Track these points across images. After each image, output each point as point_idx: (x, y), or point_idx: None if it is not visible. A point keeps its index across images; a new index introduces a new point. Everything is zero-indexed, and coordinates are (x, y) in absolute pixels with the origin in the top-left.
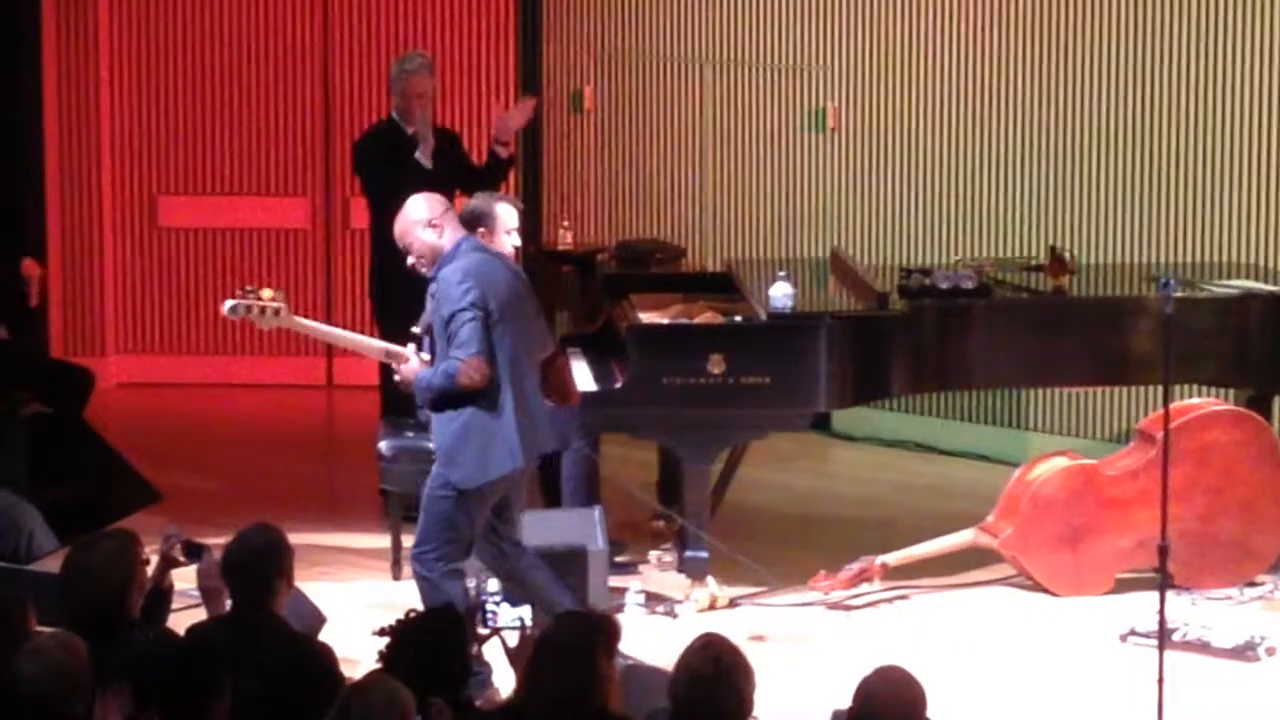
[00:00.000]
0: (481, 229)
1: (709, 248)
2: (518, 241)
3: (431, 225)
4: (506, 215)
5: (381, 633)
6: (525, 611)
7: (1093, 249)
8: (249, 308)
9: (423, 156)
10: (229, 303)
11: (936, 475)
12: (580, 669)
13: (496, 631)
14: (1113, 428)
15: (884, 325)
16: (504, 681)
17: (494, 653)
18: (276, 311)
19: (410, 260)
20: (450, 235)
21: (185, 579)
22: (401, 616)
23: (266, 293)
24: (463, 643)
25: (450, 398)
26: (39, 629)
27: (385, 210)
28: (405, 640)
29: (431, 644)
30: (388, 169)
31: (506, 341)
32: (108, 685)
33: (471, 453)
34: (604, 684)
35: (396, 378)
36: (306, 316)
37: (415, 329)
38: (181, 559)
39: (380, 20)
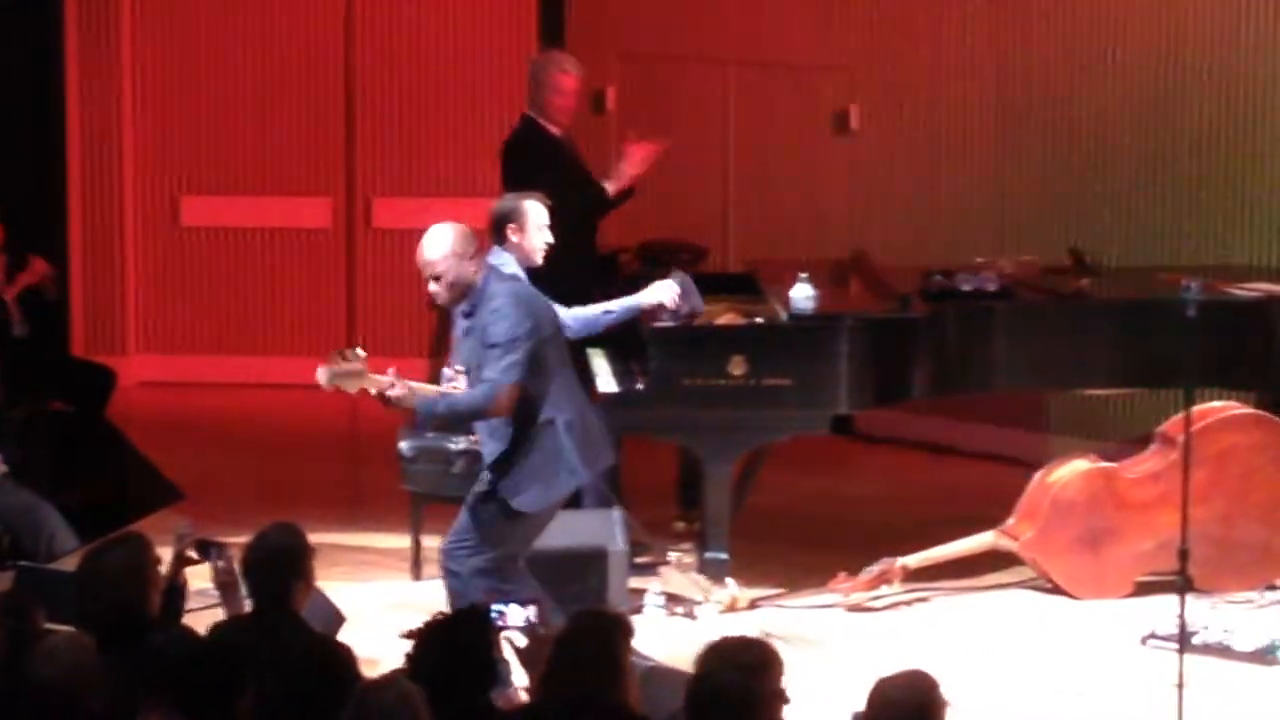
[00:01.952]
0: (512, 225)
1: (731, 248)
2: (550, 238)
3: (471, 258)
4: (536, 212)
5: (409, 635)
6: (532, 611)
7: (1114, 251)
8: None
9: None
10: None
11: (957, 478)
12: (600, 666)
13: (504, 631)
14: (1134, 430)
15: (906, 327)
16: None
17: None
18: (361, 372)
19: (433, 288)
20: (481, 269)
21: (203, 579)
22: (428, 619)
23: (356, 353)
24: (489, 645)
25: (462, 420)
26: (52, 627)
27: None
28: (431, 642)
29: (457, 646)
30: (545, 173)
31: (551, 364)
32: (135, 689)
33: (534, 477)
34: (624, 681)
35: (390, 393)
36: (329, 316)
37: (458, 367)
38: (195, 556)
39: (402, 20)
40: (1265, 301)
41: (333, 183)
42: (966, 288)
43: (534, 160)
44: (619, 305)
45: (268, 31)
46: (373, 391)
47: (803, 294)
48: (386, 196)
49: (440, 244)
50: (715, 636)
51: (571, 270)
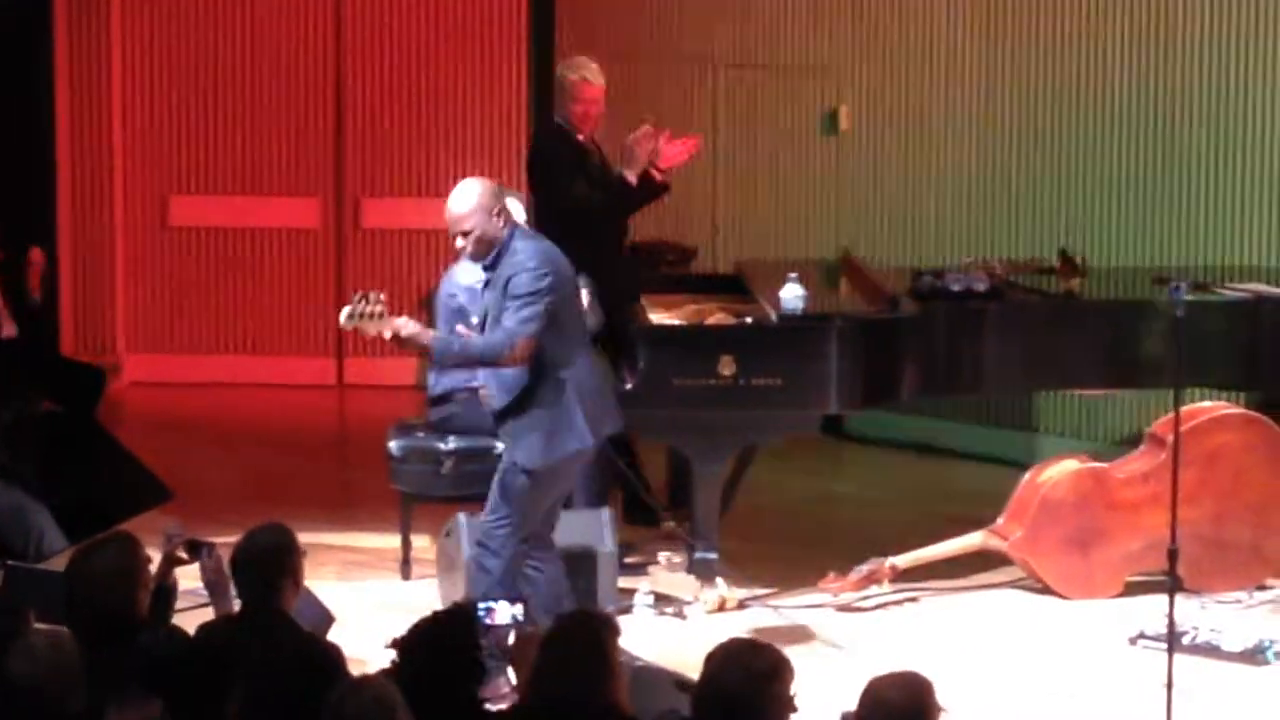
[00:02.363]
0: None
1: (720, 248)
2: None
3: (498, 214)
4: (514, 209)
5: (393, 645)
6: (519, 609)
7: (1104, 251)
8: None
9: (630, 174)
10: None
11: (946, 478)
12: (589, 667)
13: (490, 629)
14: (1123, 431)
15: (896, 328)
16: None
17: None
18: (381, 315)
19: (460, 243)
20: (507, 225)
21: (192, 578)
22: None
23: (379, 296)
24: (475, 644)
25: (474, 363)
26: (40, 627)
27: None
28: (418, 642)
29: (444, 645)
30: (575, 178)
31: (567, 325)
32: (123, 688)
33: (538, 434)
34: (613, 681)
35: (392, 335)
36: (318, 316)
37: (475, 319)
38: (184, 557)
39: (392, 20)
40: (1253, 302)
41: (322, 183)
42: (956, 288)
43: (557, 166)
44: None
45: (257, 32)
46: (387, 334)
47: (792, 294)
48: (375, 197)
49: (468, 199)
50: (725, 639)
51: (604, 272)
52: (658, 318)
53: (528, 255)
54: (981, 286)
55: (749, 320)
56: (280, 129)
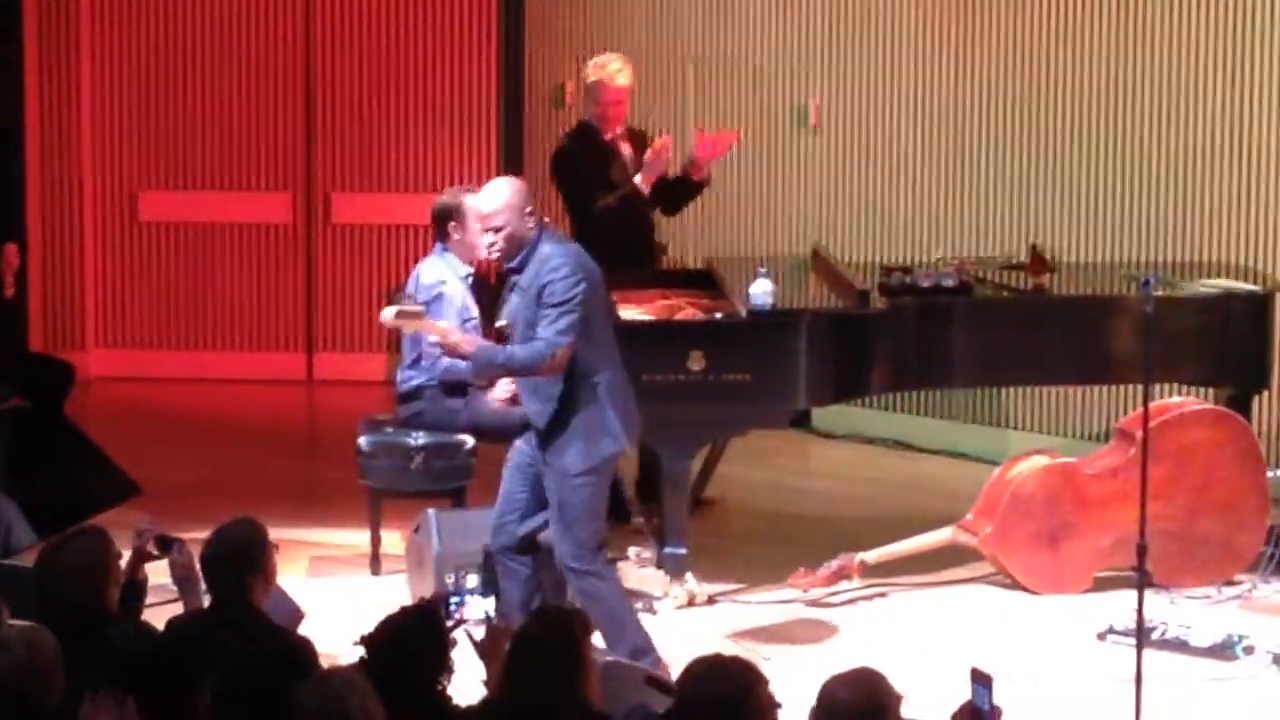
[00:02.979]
0: (453, 222)
1: (690, 244)
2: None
3: (529, 214)
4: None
5: (361, 641)
6: (491, 604)
7: (1073, 247)
8: (407, 314)
9: (643, 183)
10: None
11: (916, 473)
12: (562, 663)
13: (461, 623)
14: (1092, 426)
15: (865, 323)
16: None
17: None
18: (420, 315)
19: (488, 241)
20: (536, 225)
21: (162, 574)
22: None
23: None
24: (442, 640)
25: (516, 372)
26: (12, 623)
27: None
28: (386, 638)
29: (410, 639)
30: (593, 181)
31: (597, 330)
32: (94, 684)
33: (577, 439)
34: (586, 677)
35: (438, 340)
36: (288, 311)
37: (500, 322)
38: (154, 552)
39: (362, 15)
40: (1223, 298)
41: (292, 178)
42: (925, 284)
43: (577, 166)
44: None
45: (226, 26)
46: (432, 337)
47: (762, 290)
48: (345, 192)
49: (499, 197)
50: (694, 660)
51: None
52: (627, 313)
53: (560, 260)
54: (951, 282)
55: (718, 316)
56: (250, 124)
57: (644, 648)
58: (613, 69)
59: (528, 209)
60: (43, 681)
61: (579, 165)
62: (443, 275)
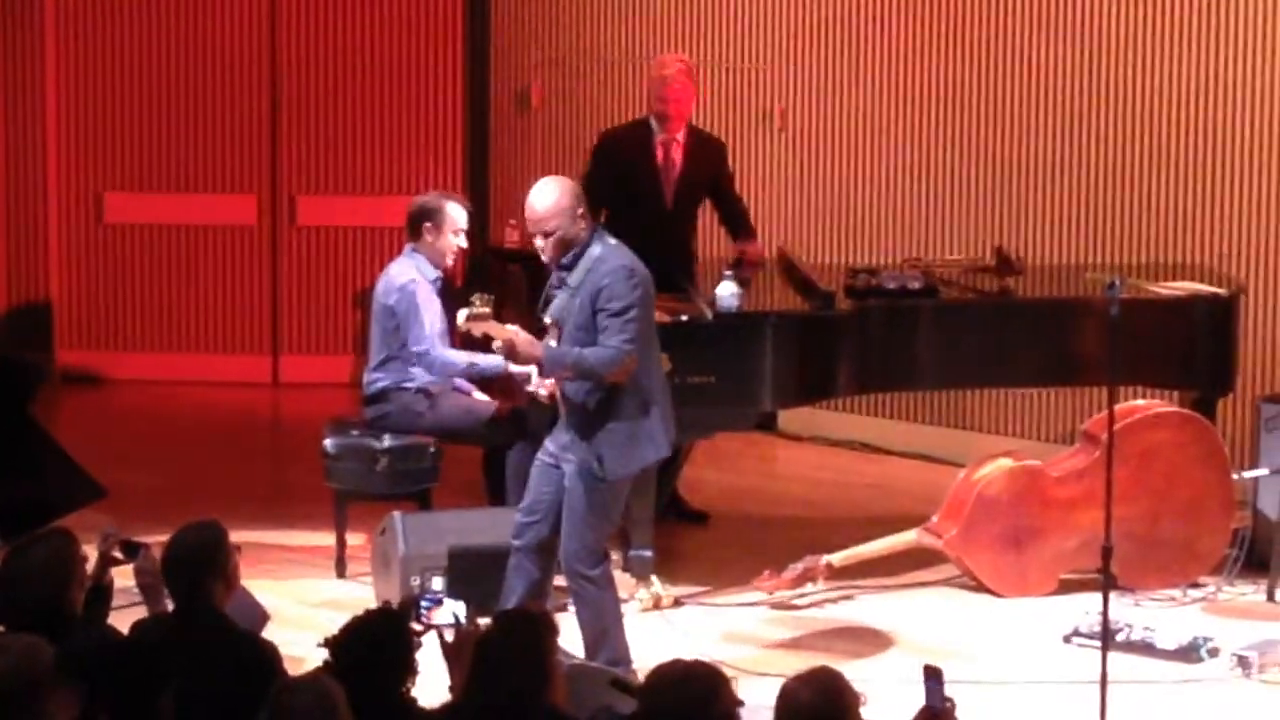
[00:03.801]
0: (429, 224)
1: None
2: (464, 243)
3: (581, 216)
4: (456, 215)
5: (325, 643)
6: (460, 608)
7: (1039, 250)
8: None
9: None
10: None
11: (881, 475)
12: (528, 666)
13: (431, 627)
14: (1058, 428)
15: (830, 325)
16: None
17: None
18: (486, 317)
19: (540, 243)
20: (588, 227)
21: (127, 577)
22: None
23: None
24: (407, 642)
25: (585, 375)
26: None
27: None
28: (349, 640)
29: (375, 643)
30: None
31: (646, 334)
32: (55, 684)
33: (619, 445)
34: (551, 681)
35: (504, 341)
36: (253, 313)
37: (547, 318)
38: (120, 557)
39: (327, 18)
40: (1188, 301)
41: (257, 180)
42: (891, 286)
43: (597, 156)
44: (485, 362)
45: (192, 28)
46: (496, 338)
47: (727, 291)
48: (311, 194)
49: (552, 199)
50: (658, 666)
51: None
52: None
53: (617, 264)
54: (917, 284)
55: (684, 318)
56: (215, 126)
57: (621, 659)
58: (675, 67)
59: (579, 210)
60: (34, 688)
61: (609, 154)
62: (413, 275)
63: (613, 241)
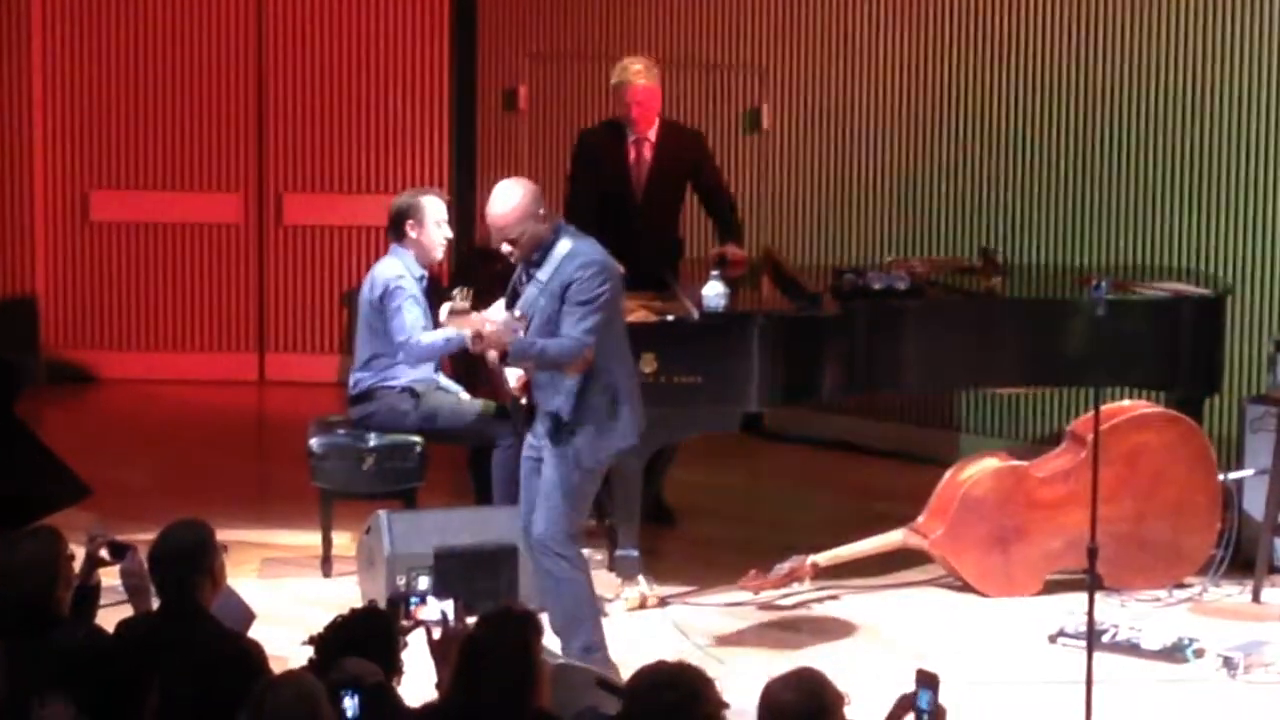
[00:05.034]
0: (410, 220)
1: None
2: (449, 233)
3: (543, 217)
4: (434, 207)
5: (310, 641)
6: (448, 605)
7: (1025, 250)
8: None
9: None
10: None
11: (867, 475)
12: (514, 665)
13: (420, 624)
14: (1044, 429)
15: (816, 325)
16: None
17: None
18: (466, 312)
19: (506, 249)
20: (552, 223)
21: (113, 576)
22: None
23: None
24: (391, 641)
25: (546, 365)
26: None
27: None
28: (334, 639)
29: (359, 640)
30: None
31: (617, 327)
32: (39, 683)
33: (588, 433)
34: (537, 681)
35: (486, 329)
36: (239, 311)
37: (515, 311)
38: (107, 558)
39: (313, 16)
40: (1174, 301)
41: (243, 178)
42: (877, 286)
43: (575, 158)
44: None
45: (179, 26)
46: (468, 332)
47: (714, 292)
48: (297, 192)
49: (511, 204)
50: (641, 668)
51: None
52: None
53: (586, 258)
54: (903, 285)
55: (670, 318)
56: (202, 124)
57: (596, 645)
58: (634, 69)
59: (539, 210)
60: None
61: (588, 155)
62: (400, 272)
63: (579, 235)
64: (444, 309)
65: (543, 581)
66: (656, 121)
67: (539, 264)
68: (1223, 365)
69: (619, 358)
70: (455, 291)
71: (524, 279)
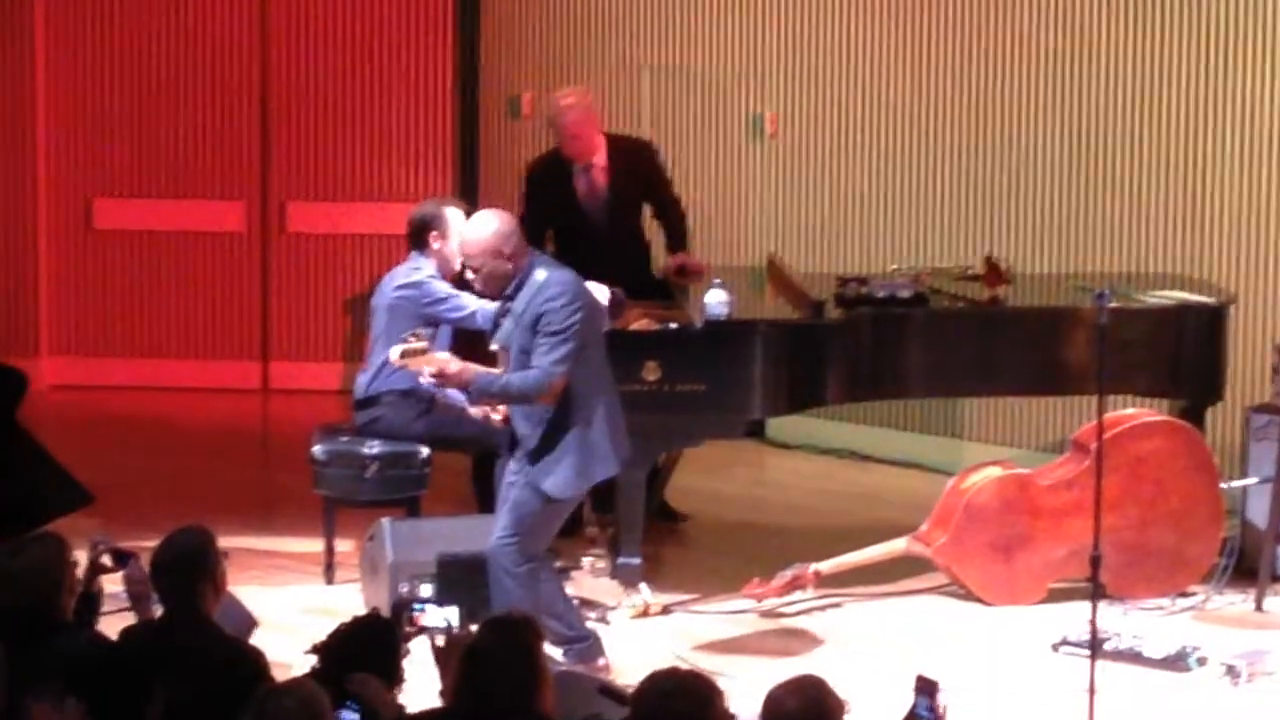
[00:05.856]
0: (434, 231)
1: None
2: None
3: (509, 256)
4: (458, 219)
5: (314, 649)
6: (452, 613)
7: (1029, 259)
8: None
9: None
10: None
11: (871, 483)
12: (518, 673)
13: (423, 631)
14: (1047, 437)
15: (820, 333)
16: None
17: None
18: (424, 352)
19: (469, 275)
20: (519, 264)
21: (115, 583)
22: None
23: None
24: (394, 649)
25: (512, 400)
26: None
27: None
28: (338, 647)
29: (362, 648)
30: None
31: (594, 356)
32: (39, 688)
33: (569, 464)
34: (540, 688)
35: (435, 372)
36: (242, 319)
37: (495, 344)
38: (109, 565)
39: (317, 24)
40: (1177, 310)
41: (247, 187)
42: (881, 294)
43: (526, 192)
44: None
45: (182, 34)
46: (430, 370)
47: (717, 299)
48: (300, 201)
49: (478, 236)
50: (650, 676)
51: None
52: None
53: (558, 289)
54: (906, 293)
55: (674, 326)
56: (205, 132)
57: (577, 638)
58: (564, 104)
59: (506, 250)
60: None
61: (536, 191)
62: (431, 271)
63: (554, 265)
64: (393, 350)
65: (492, 589)
66: (601, 142)
67: (513, 296)
68: (1226, 374)
69: (597, 386)
70: (409, 334)
71: (502, 313)
